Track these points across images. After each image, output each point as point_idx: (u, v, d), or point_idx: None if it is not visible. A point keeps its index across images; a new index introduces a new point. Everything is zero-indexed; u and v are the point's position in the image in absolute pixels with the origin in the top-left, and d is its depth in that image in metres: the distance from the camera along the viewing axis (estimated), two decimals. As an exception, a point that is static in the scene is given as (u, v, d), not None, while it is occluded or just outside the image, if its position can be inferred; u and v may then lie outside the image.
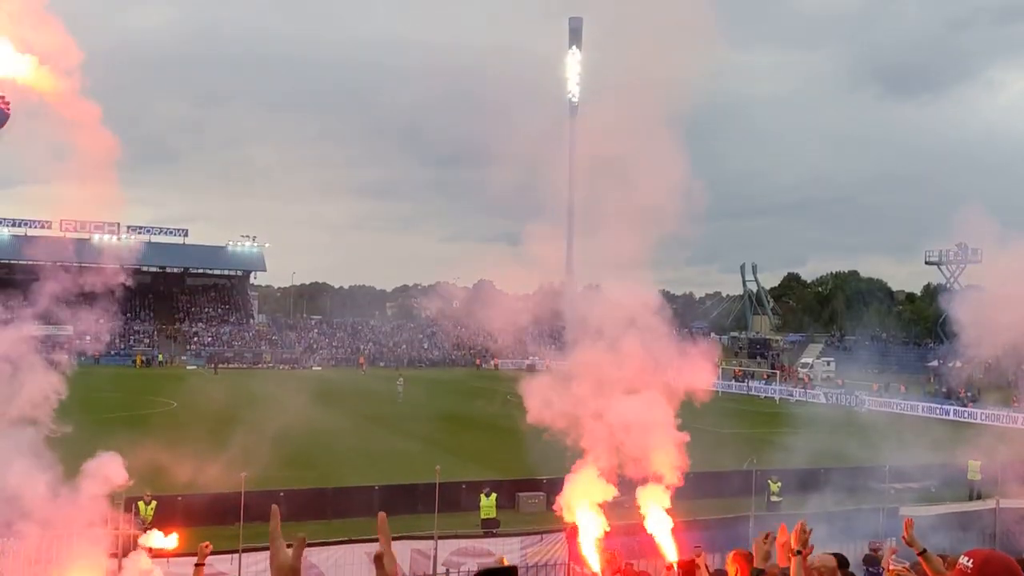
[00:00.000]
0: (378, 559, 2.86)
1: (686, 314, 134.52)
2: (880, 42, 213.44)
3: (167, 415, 44.90)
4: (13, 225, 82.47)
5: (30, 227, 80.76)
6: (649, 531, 8.86)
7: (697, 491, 21.87)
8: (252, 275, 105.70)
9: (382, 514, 2.95)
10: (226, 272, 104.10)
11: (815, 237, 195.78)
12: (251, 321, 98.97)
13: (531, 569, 17.63)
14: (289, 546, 2.79)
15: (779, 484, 24.45)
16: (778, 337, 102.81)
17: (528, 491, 24.24)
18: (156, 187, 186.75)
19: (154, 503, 19.81)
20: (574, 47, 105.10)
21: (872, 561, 15.86)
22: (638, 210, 13.92)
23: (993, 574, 3.38)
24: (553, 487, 23.25)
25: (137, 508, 19.11)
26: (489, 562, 16.95)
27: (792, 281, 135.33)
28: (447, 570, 17.75)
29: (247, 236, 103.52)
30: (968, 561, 3.44)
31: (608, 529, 9.33)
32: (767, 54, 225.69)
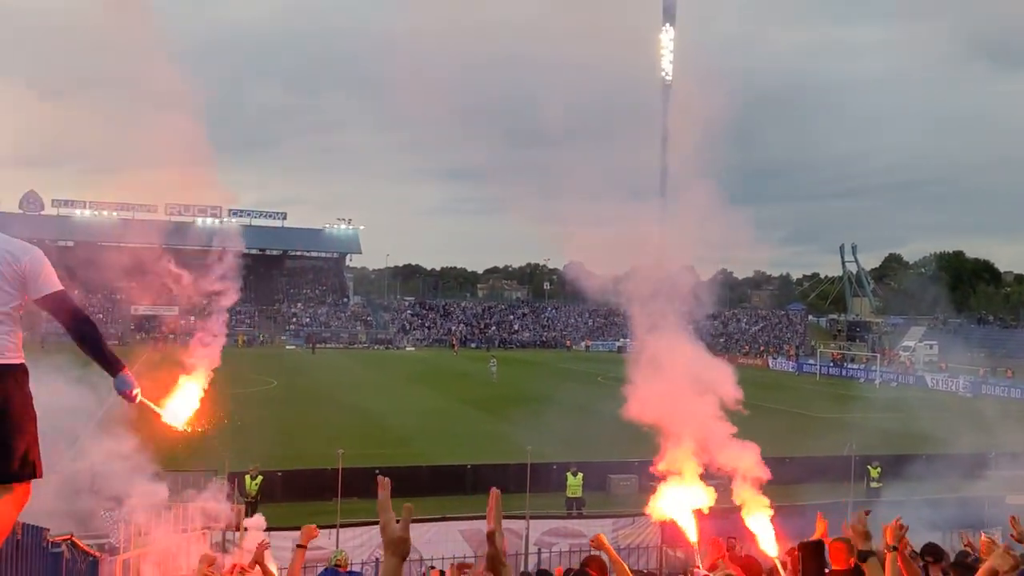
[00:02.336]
0: (490, 536, 2.89)
1: (782, 295, 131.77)
2: (988, 15, 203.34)
3: (268, 393, 46.32)
4: (120, 209, 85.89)
5: (136, 211, 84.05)
6: (747, 518, 8.73)
7: (793, 476, 21.50)
8: (348, 257, 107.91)
9: (496, 490, 2.97)
10: (323, 254, 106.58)
11: (918, 217, 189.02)
12: (347, 302, 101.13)
13: (623, 551, 17.61)
14: (397, 521, 2.84)
15: (879, 470, 23.85)
16: (879, 319, 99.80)
17: (620, 473, 24.19)
18: (256, 171, 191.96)
19: (260, 478, 20.41)
20: (667, 25, 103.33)
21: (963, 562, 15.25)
22: (727, 190, 13.66)
23: None
24: (645, 470, 23.23)
25: (243, 482, 19.77)
26: (579, 542, 17.01)
27: (893, 262, 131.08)
28: (539, 549, 17.89)
29: (343, 219, 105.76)
30: None
31: (705, 511, 9.25)
32: (870, 29, 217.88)
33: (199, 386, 5.80)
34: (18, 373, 3.96)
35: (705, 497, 9.20)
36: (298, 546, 6.70)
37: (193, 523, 13.68)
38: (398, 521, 2.83)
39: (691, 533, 8.84)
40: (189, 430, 5.21)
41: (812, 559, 4.56)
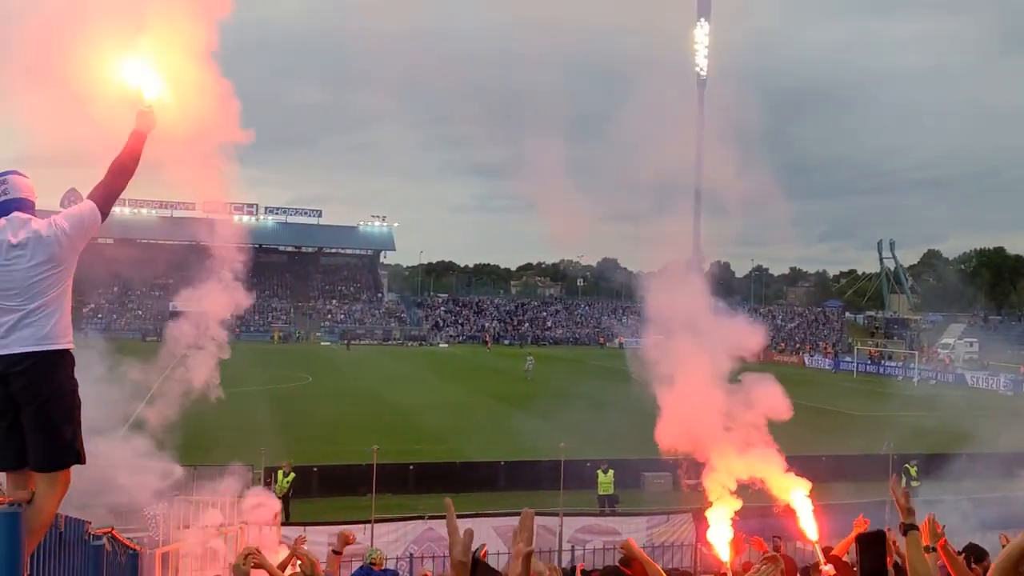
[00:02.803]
0: (527, 558, 2.86)
1: (819, 292, 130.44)
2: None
3: (303, 389, 46.70)
4: (159, 207, 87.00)
5: (175, 209, 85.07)
6: (796, 509, 8.63)
7: (831, 475, 21.26)
8: (382, 254, 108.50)
9: (528, 511, 2.95)
10: (358, 251, 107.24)
11: (957, 213, 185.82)
12: (381, 299, 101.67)
13: (657, 549, 17.55)
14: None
15: (915, 467, 23.61)
16: (917, 316, 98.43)
17: (654, 471, 24.09)
18: (291, 169, 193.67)
19: (292, 475, 20.50)
20: (703, 19, 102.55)
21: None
22: (766, 186, 13.55)
23: None
24: (679, 467, 23.12)
25: (275, 477, 19.92)
26: (612, 539, 16.96)
27: (932, 258, 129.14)
28: (572, 546, 17.87)
29: (377, 216, 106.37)
30: None
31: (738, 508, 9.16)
32: (907, 22, 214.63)
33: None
34: (68, 359, 4.03)
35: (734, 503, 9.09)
36: (334, 552, 6.68)
37: (231, 517, 13.83)
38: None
39: (723, 553, 8.72)
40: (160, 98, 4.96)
41: (873, 550, 4.36)
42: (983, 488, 21.24)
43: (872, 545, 4.36)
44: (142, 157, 4.44)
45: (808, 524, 8.03)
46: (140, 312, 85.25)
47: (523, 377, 53.51)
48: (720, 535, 8.58)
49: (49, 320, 3.94)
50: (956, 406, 40.27)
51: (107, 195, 4.31)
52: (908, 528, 4.08)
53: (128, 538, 8.90)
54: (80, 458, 4.02)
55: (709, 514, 8.96)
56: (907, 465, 23.77)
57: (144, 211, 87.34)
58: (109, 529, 7.14)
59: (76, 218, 4.15)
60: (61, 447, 3.92)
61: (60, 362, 3.97)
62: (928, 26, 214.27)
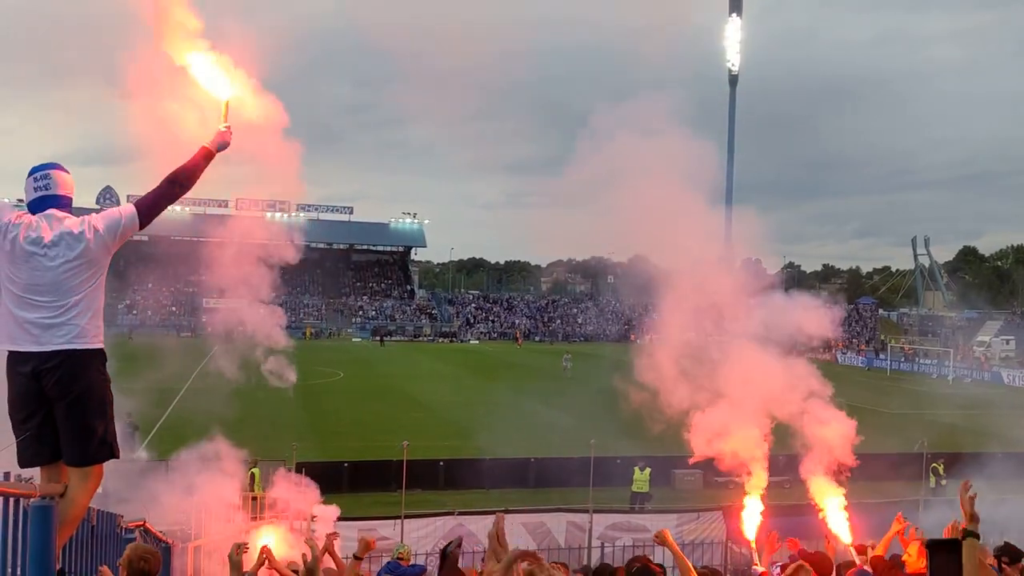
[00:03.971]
0: (523, 555, 2.85)
1: (852, 289, 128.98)
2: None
3: (335, 385, 46.98)
4: (193, 204, 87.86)
5: (208, 206, 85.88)
6: (825, 513, 8.57)
7: (864, 473, 20.99)
8: (413, 251, 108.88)
9: (500, 514, 2.94)
10: (389, 248, 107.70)
11: (994, 209, 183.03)
12: (412, 295, 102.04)
13: (687, 546, 17.45)
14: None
15: (942, 465, 23.39)
16: (952, 314, 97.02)
17: (684, 468, 23.96)
18: (322, 166, 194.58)
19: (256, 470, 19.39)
20: (734, 15, 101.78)
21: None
22: (797, 181, 13.42)
23: None
24: (710, 465, 22.95)
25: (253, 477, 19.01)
26: (643, 536, 16.90)
27: (968, 255, 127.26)
28: (602, 544, 17.83)
29: (408, 213, 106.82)
30: None
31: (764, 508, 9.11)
32: (943, 17, 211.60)
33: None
34: (99, 357, 4.09)
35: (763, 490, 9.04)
36: (355, 557, 6.71)
37: (264, 512, 13.95)
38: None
39: (750, 530, 8.70)
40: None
41: (945, 558, 3.96)
42: (1020, 488, 20.90)
43: (944, 553, 4.00)
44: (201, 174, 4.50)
45: (841, 527, 7.95)
46: (174, 308, 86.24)
47: (559, 374, 53.46)
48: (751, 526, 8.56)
49: (81, 319, 4.00)
50: (991, 405, 39.71)
51: (153, 204, 4.37)
52: (968, 534, 4.01)
53: (162, 531, 9.02)
54: (113, 452, 4.09)
55: (747, 501, 8.93)
56: (935, 464, 23.53)
57: (177, 208, 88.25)
58: (141, 523, 7.23)
59: (113, 220, 4.20)
60: (93, 442, 3.99)
61: (92, 360, 4.03)
62: (963, 21, 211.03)
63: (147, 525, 7.43)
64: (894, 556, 7.37)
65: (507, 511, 17.91)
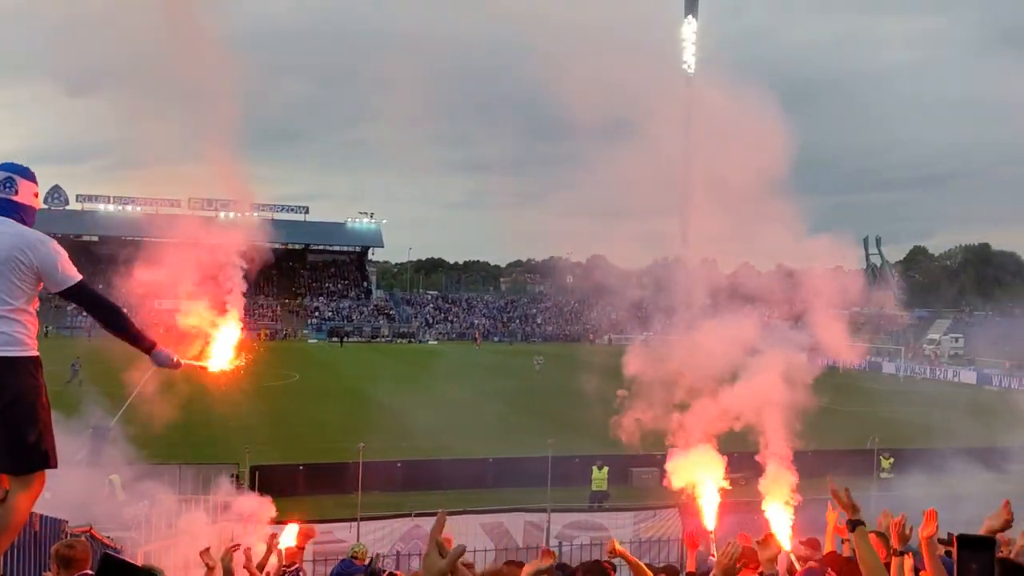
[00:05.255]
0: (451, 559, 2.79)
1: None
2: (1014, 4, 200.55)
3: (290, 387, 46.56)
4: (144, 204, 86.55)
5: (160, 206, 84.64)
6: (766, 510, 8.65)
7: (814, 469, 21.29)
8: (370, 251, 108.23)
9: (442, 512, 2.89)
10: (345, 248, 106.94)
11: (944, 210, 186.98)
12: (370, 296, 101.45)
13: (644, 543, 17.56)
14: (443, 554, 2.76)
15: (891, 460, 23.81)
16: (903, 312, 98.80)
17: (642, 466, 24.10)
18: (277, 165, 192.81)
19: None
20: (690, 16, 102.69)
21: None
22: (753, 182, 13.55)
23: None
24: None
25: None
26: (600, 535, 16.96)
27: (919, 255, 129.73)
28: (559, 542, 17.85)
29: (365, 213, 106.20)
30: None
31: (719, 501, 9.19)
32: (895, 20, 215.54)
33: (233, 327, 5.74)
34: (30, 364, 3.98)
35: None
36: (298, 548, 6.66)
37: (215, 516, 13.75)
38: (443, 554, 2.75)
39: (710, 520, 8.74)
40: (240, 363, 5.23)
41: (979, 558, 3.32)
42: (968, 482, 21.33)
43: (975, 551, 3.35)
44: None
45: (782, 532, 7.99)
46: (125, 311, 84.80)
47: (517, 374, 53.57)
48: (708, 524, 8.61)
49: (10, 326, 3.89)
50: (941, 402, 40.50)
51: (84, 300, 4.20)
52: (856, 524, 4.09)
53: (111, 536, 8.84)
54: (49, 461, 3.98)
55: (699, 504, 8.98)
56: (881, 456, 23.99)
57: (129, 208, 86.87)
58: (87, 528, 7.08)
59: (50, 265, 4.04)
60: (26, 450, 3.88)
61: (22, 367, 3.92)
62: (916, 25, 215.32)
63: (93, 531, 7.28)
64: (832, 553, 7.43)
65: (465, 511, 17.89)
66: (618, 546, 6.36)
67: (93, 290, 4.22)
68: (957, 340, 75.43)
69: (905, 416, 37.11)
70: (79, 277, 4.12)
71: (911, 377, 60.13)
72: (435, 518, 2.79)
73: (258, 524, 11.66)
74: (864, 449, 24.73)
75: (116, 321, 4.24)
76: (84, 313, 4.21)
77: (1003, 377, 55.30)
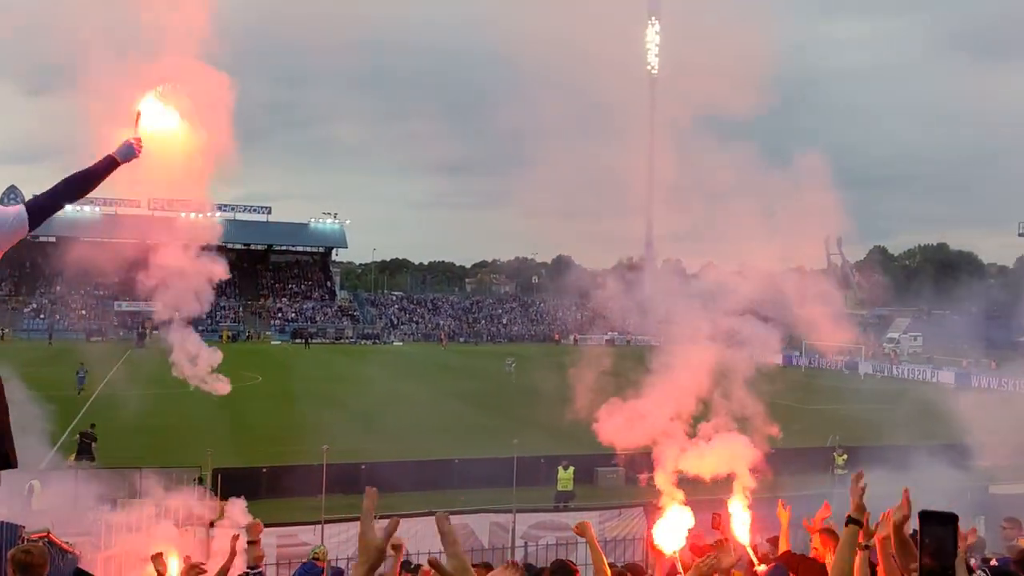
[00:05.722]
0: (434, 564, 2.85)
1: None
2: (968, 7, 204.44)
3: (253, 389, 46.11)
4: (103, 204, 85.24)
5: (119, 206, 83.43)
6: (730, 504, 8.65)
7: (776, 468, 21.50)
8: (334, 251, 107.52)
9: (440, 514, 2.92)
10: (308, 249, 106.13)
11: (903, 210, 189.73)
12: (333, 297, 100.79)
13: (609, 543, 17.61)
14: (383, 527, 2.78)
15: (845, 457, 24.16)
16: (863, 311, 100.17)
17: (606, 466, 24.21)
18: (240, 166, 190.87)
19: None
20: (653, 18, 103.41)
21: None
22: (717, 184, 13.67)
23: None
24: (632, 462, 23.21)
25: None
26: (565, 535, 16.98)
27: (878, 254, 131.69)
28: (525, 543, 17.86)
29: (328, 213, 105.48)
30: None
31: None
32: (854, 24, 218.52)
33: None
34: None
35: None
36: (249, 542, 6.62)
37: (176, 520, 13.57)
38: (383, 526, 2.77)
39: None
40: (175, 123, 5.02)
41: (941, 531, 3.30)
42: (926, 478, 21.65)
43: (937, 524, 3.33)
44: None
45: (741, 528, 7.99)
46: (84, 312, 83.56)
47: (483, 375, 53.52)
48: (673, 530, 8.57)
49: None
50: (901, 399, 41.06)
51: (46, 206, 4.13)
52: (850, 521, 4.07)
53: (70, 542, 8.69)
54: (9, 461, 3.89)
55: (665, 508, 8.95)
56: (835, 453, 24.32)
57: (87, 208, 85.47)
58: (45, 533, 6.95)
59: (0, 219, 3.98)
60: None
61: None
62: (874, 28, 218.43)
63: (51, 536, 7.15)
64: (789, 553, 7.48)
65: (430, 513, 17.81)
66: (591, 528, 6.35)
67: (41, 202, 4.14)
68: (916, 339, 76.65)
69: (866, 413, 37.61)
70: (21, 207, 4.05)
71: (871, 375, 61.00)
72: (390, 516, 2.80)
73: (223, 528, 11.54)
74: (826, 448, 25.06)
75: (76, 188, 4.18)
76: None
77: (962, 375, 56.31)
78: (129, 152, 4.36)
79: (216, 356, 16.42)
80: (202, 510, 13.30)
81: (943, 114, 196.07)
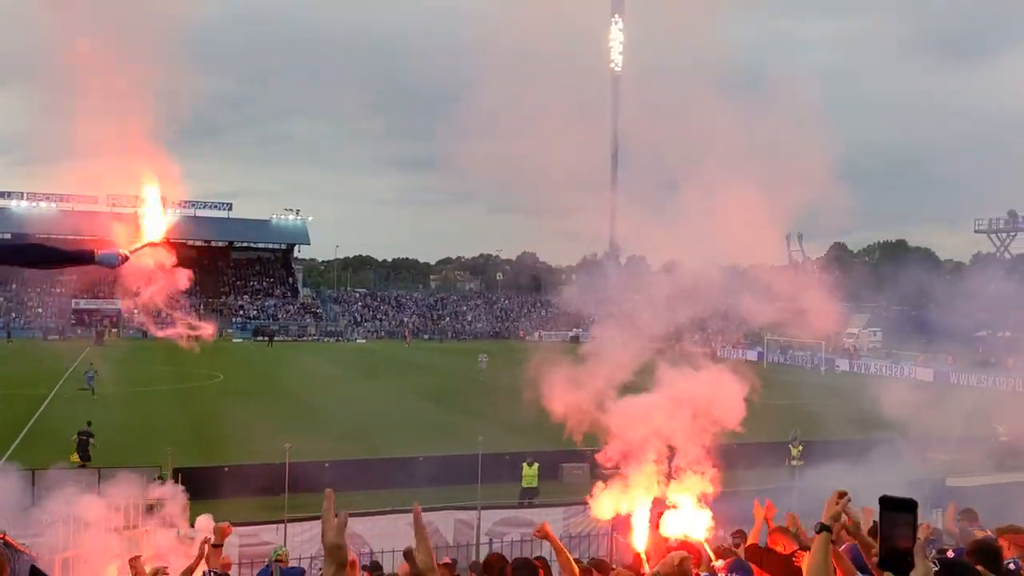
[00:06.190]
0: (408, 555, 2.84)
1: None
2: (929, 8, 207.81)
3: (214, 387, 45.65)
4: (59, 200, 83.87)
5: (76, 203, 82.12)
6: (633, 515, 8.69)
7: (736, 462, 21.71)
8: (296, 248, 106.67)
9: (416, 506, 2.93)
10: (270, 245, 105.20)
11: (863, 207, 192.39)
12: (296, 294, 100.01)
13: (574, 539, 17.66)
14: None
15: (800, 448, 24.51)
16: (824, 307, 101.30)
17: (571, 462, 24.27)
18: (200, 161, 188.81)
19: None
20: (616, 16, 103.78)
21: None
22: (680, 180, 13.72)
23: None
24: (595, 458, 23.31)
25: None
26: (530, 531, 17.00)
27: (839, 251, 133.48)
28: (490, 540, 17.86)
29: (290, 209, 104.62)
30: None
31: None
32: (814, 23, 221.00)
33: (153, 196, 5.42)
34: None
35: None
36: (213, 545, 6.56)
37: (135, 520, 13.38)
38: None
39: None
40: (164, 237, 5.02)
41: (899, 517, 3.29)
42: (885, 471, 21.96)
43: (896, 511, 3.31)
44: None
45: (638, 534, 8.00)
46: (40, 310, 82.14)
47: (448, 372, 53.41)
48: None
49: None
50: (860, 393, 41.58)
51: (2, 259, 4.00)
52: (823, 528, 4.08)
53: (23, 543, 8.52)
54: None
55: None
56: (791, 445, 24.65)
57: (43, 204, 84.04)
58: (1, 535, 6.81)
59: None
60: None
61: None
62: (836, 26, 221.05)
63: (6, 537, 7.01)
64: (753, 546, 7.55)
65: (394, 511, 17.75)
66: (548, 528, 6.39)
67: (4, 253, 4.03)
68: (875, 334, 77.81)
69: (826, 408, 38.08)
70: None
71: (831, 370, 61.82)
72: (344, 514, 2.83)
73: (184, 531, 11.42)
74: (786, 442, 25.36)
75: (42, 258, 4.07)
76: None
77: (920, 369, 57.28)
78: (111, 261, 4.26)
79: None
80: (169, 509, 13.13)
81: (902, 113, 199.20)
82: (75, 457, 23.48)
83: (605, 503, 8.82)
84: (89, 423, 25.28)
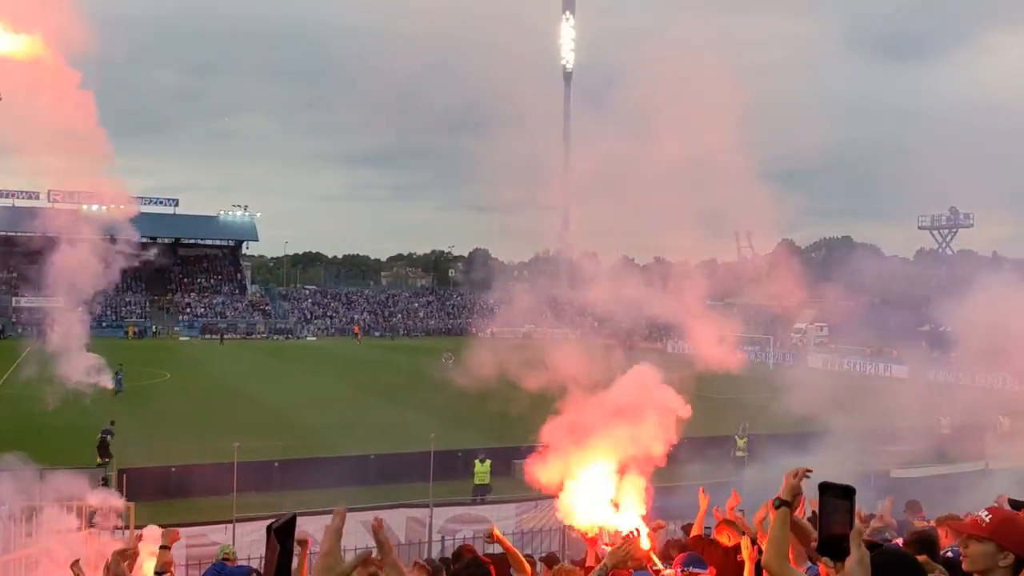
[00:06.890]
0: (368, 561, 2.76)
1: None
2: (870, 7, 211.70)
3: (161, 386, 44.91)
4: (2, 197, 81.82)
5: (18, 198, 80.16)
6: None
7: (684, 457, 21.90)
8: (244, 245, 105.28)
9: (375, 520, 2.87)
10: (218, 242, 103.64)
11: (809, 203, 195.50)
12: (244, 291, 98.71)
13: (526, 535, 17.71)
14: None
15: (746, 439, 24.89)
16: (772, 303, 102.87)
17: (524, 458, 24.30)
18: (145, 156, 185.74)
19: None
20: (567, 13, 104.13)
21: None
22: (630, 177, 13.83)
23: (1010, 533, 3.32)
24: (549, 454, 23.39)
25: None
26: (483, 528, 16.99)
27: (786, 247, 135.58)
28: (442, 537, 17.84)
29: (238, 205, 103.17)
30: (987, 516, 3.41)
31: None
32: (755, 21, 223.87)
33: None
34: None
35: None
36: (161, 547, 6.54)
37: (80, 522, 13.09)
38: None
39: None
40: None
41: (837, 503, 3.34)
42: (832, 463, 22.34)
43: (835, 497, 3.38)
44: None
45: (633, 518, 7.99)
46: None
47: (399, 370, 53.11)
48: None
49: None
50: (808, 387, 42.25)
51: None
52: (782, 503, 4.08)
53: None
54: None
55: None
56: (736, 436, 25.02)
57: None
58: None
59: None
60: None
61: None
62: (781, 25, 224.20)
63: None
64: (697, 537, 7.62)
65: (348, 510, 17.64)
66: (497, 532, 6.41)
67: None
68: (822, 329, 79.20)
69: (774, 402, 38.61)
70: None
71: (779, 364, 62.78)
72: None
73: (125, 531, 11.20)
74: (734, 435, 25.70)
75: None
76: None
77: (866, 363, 58.52)
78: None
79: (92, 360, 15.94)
80: (108, 512, 12.84)
81: (845, 112, 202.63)
82: (98, 459, 22.82)
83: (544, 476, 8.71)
84: (112, 422, 25.00)
